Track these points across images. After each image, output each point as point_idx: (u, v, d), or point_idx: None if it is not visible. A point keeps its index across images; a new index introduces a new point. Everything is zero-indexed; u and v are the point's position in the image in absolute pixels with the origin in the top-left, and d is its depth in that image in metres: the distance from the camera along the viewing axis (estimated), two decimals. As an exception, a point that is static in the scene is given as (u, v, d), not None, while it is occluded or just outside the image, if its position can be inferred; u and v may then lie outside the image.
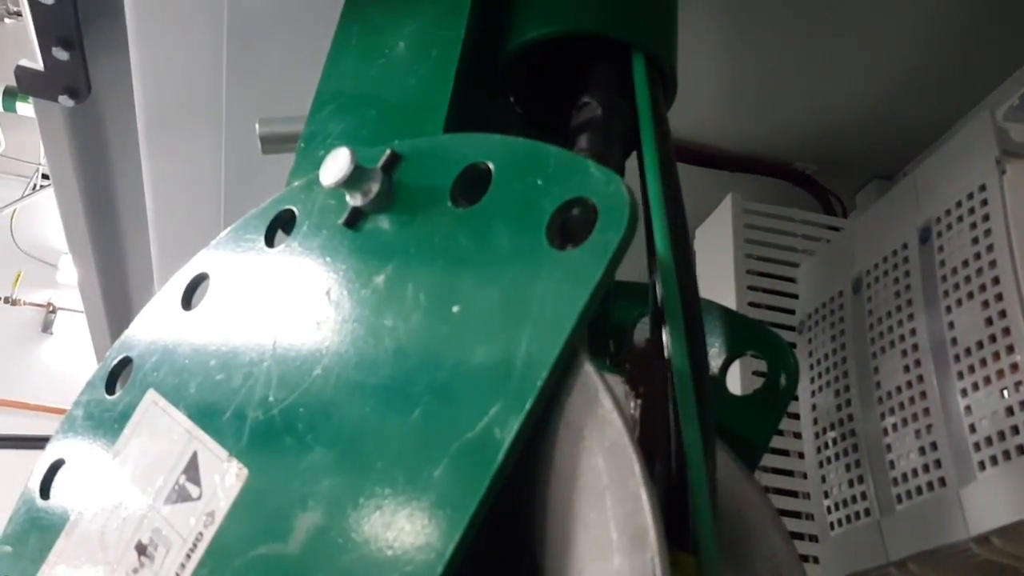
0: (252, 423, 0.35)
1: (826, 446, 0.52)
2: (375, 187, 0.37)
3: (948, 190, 0.47)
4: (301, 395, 0.34)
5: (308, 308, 0.37)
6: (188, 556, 0.34)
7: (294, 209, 0.41)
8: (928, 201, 0.48)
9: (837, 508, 0.52)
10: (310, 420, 0.33)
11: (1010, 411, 0.42)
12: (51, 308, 4.43)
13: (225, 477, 0.34)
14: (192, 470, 0.36)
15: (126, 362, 0.44)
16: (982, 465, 0.42)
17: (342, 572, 0.29)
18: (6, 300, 4.34)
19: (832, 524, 0.52)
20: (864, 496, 0.49)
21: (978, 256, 0.44)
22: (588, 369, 0.29)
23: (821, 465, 0.53)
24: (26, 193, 4.07)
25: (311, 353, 0.35)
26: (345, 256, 0.37)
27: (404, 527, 0.28)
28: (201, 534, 0.34)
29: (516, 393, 0.29)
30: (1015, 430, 0.42)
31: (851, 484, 0.50)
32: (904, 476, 0.46)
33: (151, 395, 0.41)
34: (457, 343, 0.31)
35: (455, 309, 0.32)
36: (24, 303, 4.38)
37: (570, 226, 0.31)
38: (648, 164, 0.38)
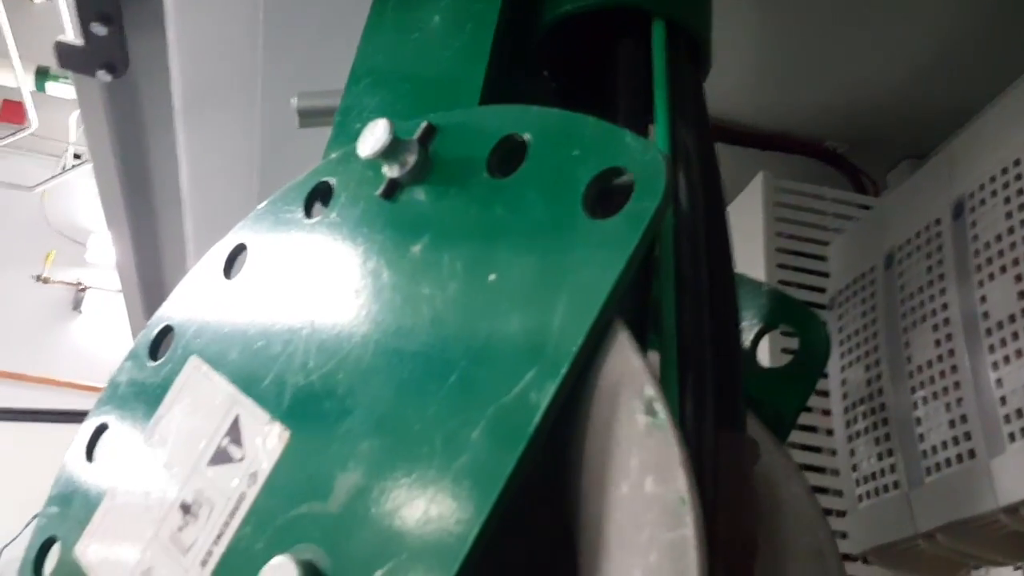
0: (293, 388, 0.36)
1: (855, 420, 0.53)
2: (412, 158, 0.37)
3: (982, 165, 0.47)
4: (340, 361, 0.35)
5: (346, 277, 0.38)
6: (231, 515, 0.35)
7: (331, 181, 0.42)
8: (961, 176, 0.48)
9: (865, 481, 0.52)
10: (349, 385, 0.34)
11: (1041, 384, 0.42)
12: (81, 287, 4.49)
13: (267, 439, 0.35)
14: (235, 433, 0.37)
15: (168, 330, 0.45)
16: (1012, 437, 0.42)
17: (382, 529, 0.30)
18: (37, 278, 4.40)
19: (860, 497, 0.52)
20: (893, 469, 0.50)
21: (1011, 230, 0.44)
22: (623, 337, 0.30)
23: (850, 439, 0.53)
24: (56, 173, 4.13)
25: (350, 321, 0.36)
26: (382, 226, 0.38)
27: (443, 487, 0.29)
28: (244, 494, 0.35)
29: (552, 359, 0.29)
30: (1046, 403, 0.42)
31: (880, 457, 0.50)
32: (933, 449, 0.46)
33: (193, 361, 0.42)
34: (494, 310, 0.32)
35: (491, 278, 0.33)
36: (55, 281, 4.44)
37: (606, 195, 0.32)
38: (658, 122, 0.39)
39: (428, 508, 0.29)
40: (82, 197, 4.28)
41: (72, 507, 0.43)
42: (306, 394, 0.35)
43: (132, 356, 0.46)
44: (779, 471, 0.39)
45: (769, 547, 0.37)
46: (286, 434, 0.35)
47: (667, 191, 0.30)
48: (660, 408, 0.27)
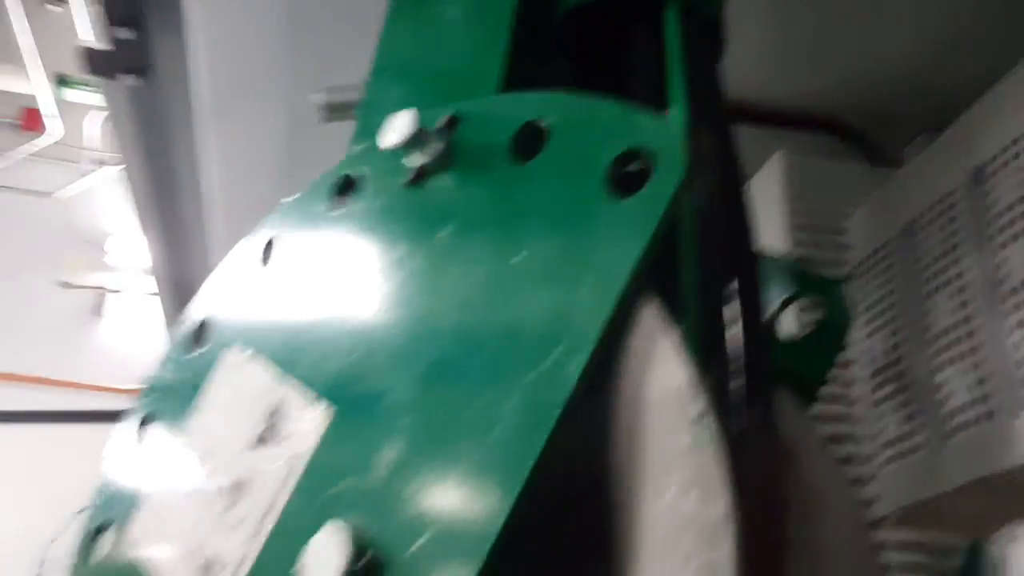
0: (331, 371, 0.37)
1: (879, 387, 0.54)
2: (435, 148, 0.38)
3: (999, 133, 0.47)
4: (375, 344, 0.36)
5: (376, 264, 0.39)
6: (278, 492, 0.36)
7: (357, 173, 0.43)
8: (979, 145, 0.49)
9: (890, 445, 0.53)
10: (385, 367, 0.35)
11: (1059, 344, 0.42)
12: (102, 291, 4.53)
13: (309, 420, 0.36)
14: (278, 415, 0.38)
15: (206, 319, 0.47)
16: (1033, 396, 0.43)
17: (422, 500, 0.31)
18: (59, 283, 4.45)
19: (885, 461, 0.53)
20: (917, 432, 0.50)
21: (1028, 197, 0.45)
22: (649, 311, 0.31)
23: (875, 405, 0.54)
24: (75, 179, 4.17)
25: (382, 305, 0.37)
26: (409, 215, 0.39)
27: (478, 459, 0.30)
28: (289, 472, 0.36)
29: (580, 335, 0.30)
30: (1064, 362, 0.42)
31: (904, 422, 0.51)
32: (955, 411, 0.47)
33: (233, 348, 0.43)
34: (520, 291, 0.33)
35: (517, 260, 0.34)
36: (76, 286, 4.48)
37: (628, 176, 0.33)
38: (674, 104, 0.39)
39: (465, 480, 0.30)
40: (101, 202, 4.32)
41: (121, 493, 0.45)
42: (345, 376, 0.36)
43: (173, 346, 0.47)
44: (821, 473, 0.39)
45: (809, 553, 0.37)
46: (327, 414, 0.36)
47: (687, 170, 0.31)
48: (706, 425, 0.27)
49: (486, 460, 0.30)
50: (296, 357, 0.39)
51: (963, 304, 0.48)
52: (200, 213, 0.94)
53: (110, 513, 0.45)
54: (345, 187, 0.44)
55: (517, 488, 0.29)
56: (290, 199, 0.46)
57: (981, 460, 0.45)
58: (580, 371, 0.29)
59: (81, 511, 0.47)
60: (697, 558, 0.26)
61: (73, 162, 4.30)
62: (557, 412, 0.29)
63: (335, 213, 0.43)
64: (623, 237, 0.31)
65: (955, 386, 0.48)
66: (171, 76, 0.80)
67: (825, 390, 0.44)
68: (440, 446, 0.32)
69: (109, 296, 4.50)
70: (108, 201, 4.28)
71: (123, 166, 0.97)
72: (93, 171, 4.06)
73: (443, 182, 0.38)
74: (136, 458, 0.45)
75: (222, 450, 0.40)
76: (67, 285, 4.46)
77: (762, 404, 0.33)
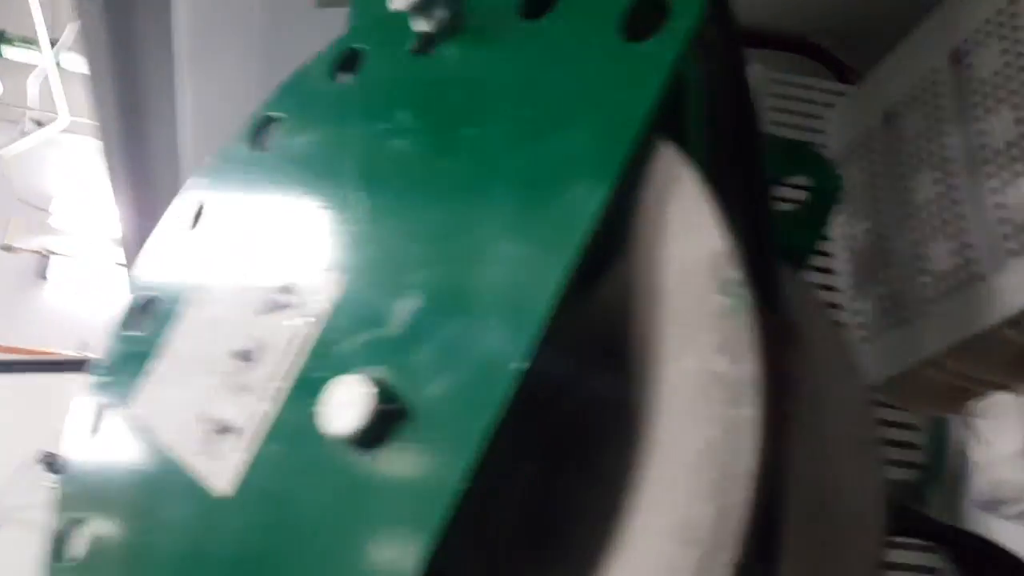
0: (346, 231, 0.37)
1: (860, 269, 0.55)
2: (444, 11, 0.38)
3: (977, 11, 0.49)
4: (390, 204, 0.37)
5: (387, 133, 0.39)
6: (291, 355, 0.36)
7: (360, 45, 0.43)
8: (957, 27, 0.50)
9: (872, 322, 0.54)
10: (401, 221, 0.36)
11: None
12: (45, 253, 4.41)
13: (323, 284, 0.36)
14: (289, 281, 0.38)
15: (201, 204, 0.46)
16: (1013, 252, 0.45)
17: (442, 348, 0.31)
18: (1, 247, 4.32)
19: (866, 339, 0.55)
20: (899, 305, 0.52)
21: (1007, 64, 0.46)
22: (667, 149, 0.32)
23: (856, 286, 0.56)
24: (16, 139, 4.04)
25: (394, 169, 0.38)
26: (418, 82, 0.39)
27: (500, 297, 0.31)
28: (302, 335, 0.36)
29: (601, 170, 0.31)
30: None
31: (885, 298, 0.53)
32: (937, 278, 0.49)
33: (234, 226, 0.43)
34: (539, 141, 0.33)
35: (534, 111, 0.34)
36: (18, 249, 4.36)
37: (643, 22, 0.33)
38: None
39: (488, 315, 0.31)
40: (44, 163, 4.20)
41: (124, 373, 0.45)
42: (360, 234, 0.37)
43: (169, 224, 0.47)
44: (829, 359, 0.39)
45: (815, 437, 0.37)
46: (342, 276, 0.36)
47: (703, 10, 0.32)
48: (739, 291, 0.28)
49: (506, 302, 0.30)
50: (302, 227, 0.39)
51: (946, 176, 0.49)
52: (176, 172, 0.91)
53: (113, 391, 0.44)
54: (349, 61, 0.44)
55: (536, 327, 0.29)
56: (290, 76, 0.46)
57: (964, 322, 0.46)
58: (602, 202, 0.30)
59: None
60: (722, 415, 0.26)
61: (13, 122, 4.17)
62: (579, 242, 0.29)
63: (339, 85, 0.43)
64: (640, 78, 0.32)
65: (937, 255, 0.49)
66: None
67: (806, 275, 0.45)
68: (462, 289, 0.32)
69: (53, 259, 4.38)
70: (52, 163, 4.17)
71: (84, 122, 0.95)
72: (35, 131, 3.94)
73: (452, 47, 0.38)
74: (138, 336, 0.45)
75: (231, 318, 0.40)
76: (9, 248, 4.33)
77: (769, 277, 0.34)
